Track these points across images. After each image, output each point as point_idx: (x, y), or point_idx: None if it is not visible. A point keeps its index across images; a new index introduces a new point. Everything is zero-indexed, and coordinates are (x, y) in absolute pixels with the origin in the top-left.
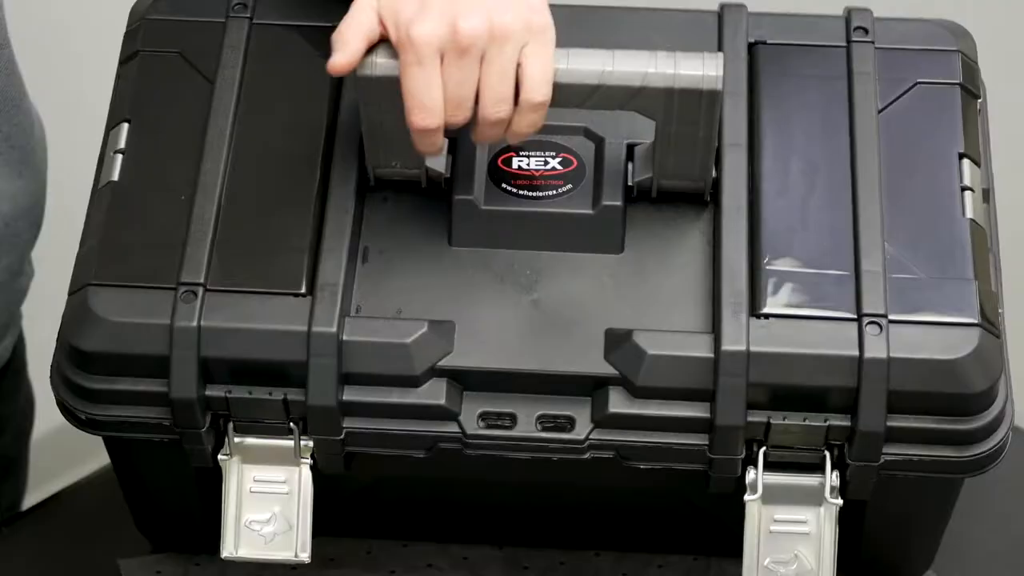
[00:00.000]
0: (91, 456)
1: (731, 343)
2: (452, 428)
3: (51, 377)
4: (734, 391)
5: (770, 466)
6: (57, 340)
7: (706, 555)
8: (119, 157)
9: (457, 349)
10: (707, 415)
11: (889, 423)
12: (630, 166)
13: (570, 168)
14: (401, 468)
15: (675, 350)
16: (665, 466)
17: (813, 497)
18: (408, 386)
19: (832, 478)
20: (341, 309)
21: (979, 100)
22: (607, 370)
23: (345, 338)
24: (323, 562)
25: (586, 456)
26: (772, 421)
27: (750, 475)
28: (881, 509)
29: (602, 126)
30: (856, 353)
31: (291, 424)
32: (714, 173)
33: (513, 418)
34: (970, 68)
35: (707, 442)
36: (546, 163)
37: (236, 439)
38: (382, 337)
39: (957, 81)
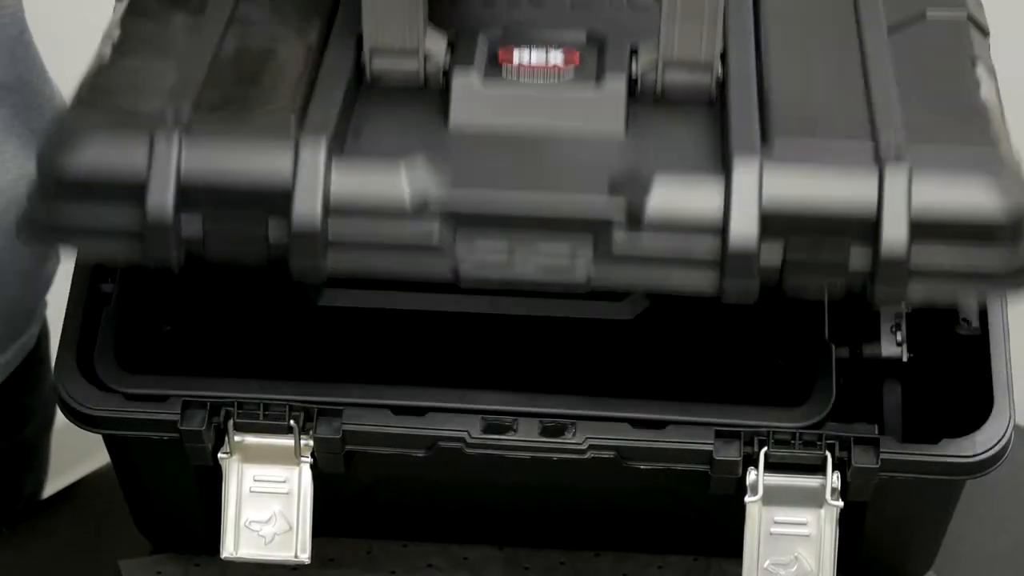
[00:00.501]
0: (91, 455)
1: (743, 167)
2: (442, 268)
3: (16, 229)
4: (746, 214)
5: (770, 467)
6: (30, 192)
7: (706, 556)
8: (110, 40)
9: (454, 184)
10: (717, 246)
11: (913, 258)
12: (633, 62)
13: (572, 62)
14: (401, 468)
15: (684, 180)
16: (665, 467)
17: (814, 499)
18: (398, 218)
19: (833, 480)
20: (332, 135)
21: (988, 37)
22: (611, 207)
23: (335, 161)
24: (323, 562)
25: (586, 456)
26: (788, 255)
27: (750, 476)
28: (882, 511)
29: (605, 30)
30: (875, 174)
31: (291, 422)
32: (720, 71)
33: (510, 254)
34: (978, 6)
35: (716, 287)
36: (547, 57)
37: (236, 437)
38: (374, 160)
39: (965, 14)
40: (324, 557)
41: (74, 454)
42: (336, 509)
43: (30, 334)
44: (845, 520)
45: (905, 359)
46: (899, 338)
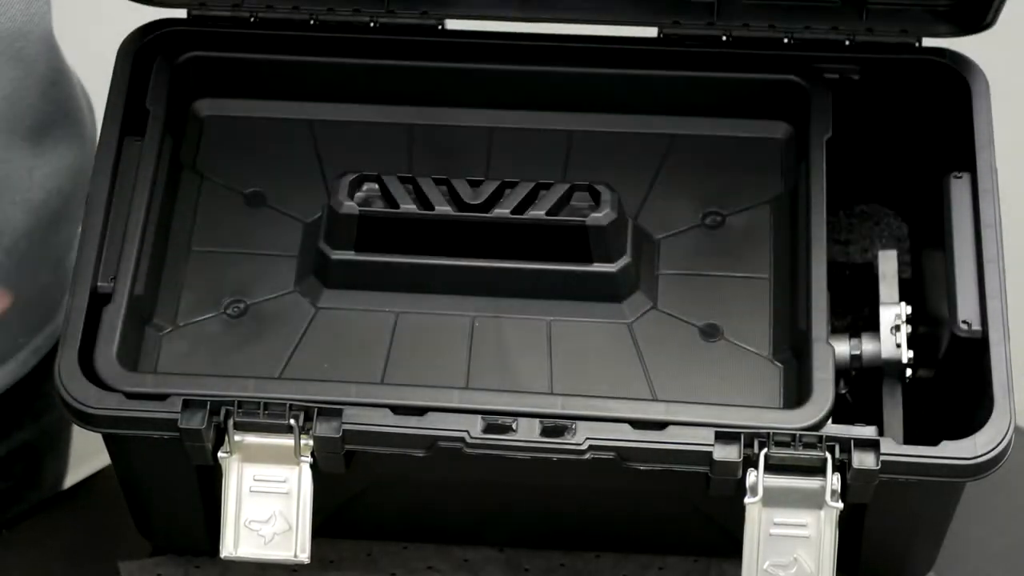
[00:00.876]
0: (90, 457)
1: None
2: None
3: None
4: None
5: (770, 468)
6: None
7: (707, 557)
8: None
9: None
10: None
11: None
12: None
13: None
14: (401, 469)
15: None
16: (665, 467)
17: (814, 500)
18: None
19: (833, 481)
20: None
21: None
22: None
23: None
24: (323, 564)
25: (586, 456)
26: None
27: (750, 478)
28: (882, 513)
29: None
30: None
31: (291, 421)
32: None
33: None
34: None
35: None
36: None
37: (236, 437)
38: None
39: None
40: (324, 559)
41: (74, 457)
42: (337, 510)
43: (57, 322)
44: (845, 522)
45: (905, 360)
46: (899, 339)
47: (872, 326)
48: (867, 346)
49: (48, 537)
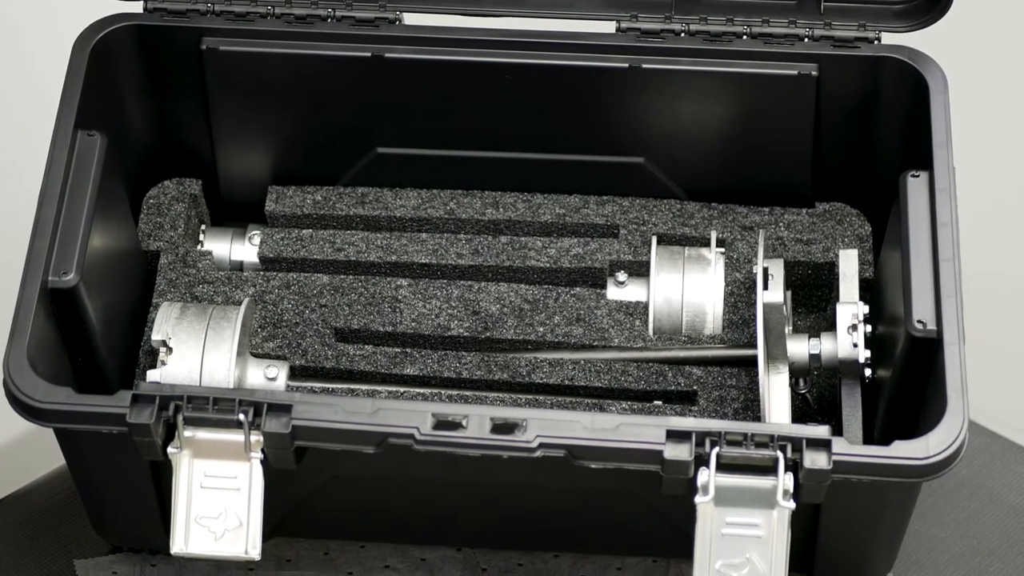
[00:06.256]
0: (45, 460)
1: None
2: None
3: None
4: None
5: (722, 468)
6: None
7: (665, 557)
8: None
9: None
10: None
11: None
12: None
13: None
14: (354, 466)
15: None
16: (617, 466)
17: (766, 500)
18: None
19: (785, 480)
20: None
21: None
22: None
23: None
24: (280, 563)
25: (537, 454)
26: None
27: (702, 476)
28: (837, 513)
29: None
30: None
31: (240, 416)
32: None
33: None
34: None
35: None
36: None
37: (186, 432)
38: None
39: None
40: (281, 557)
41: (33, 458)
42: (292, 508)
43: None
44: (801, 522)
45: (862, 360)
46: (856, 339)
47: (834, 326)
48: (826, 345)
49: (2, 535)
